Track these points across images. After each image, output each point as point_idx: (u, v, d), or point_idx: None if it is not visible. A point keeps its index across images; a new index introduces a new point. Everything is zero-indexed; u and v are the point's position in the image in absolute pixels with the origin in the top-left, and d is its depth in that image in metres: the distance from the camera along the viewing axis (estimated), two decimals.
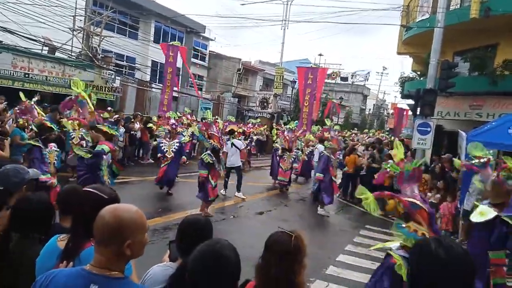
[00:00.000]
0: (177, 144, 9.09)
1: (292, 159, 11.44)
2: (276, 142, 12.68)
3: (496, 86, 9.80)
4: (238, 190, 9.74)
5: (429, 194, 8.90)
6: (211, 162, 7.47)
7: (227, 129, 11.68)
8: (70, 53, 16.49)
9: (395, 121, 23.05)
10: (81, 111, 4.44)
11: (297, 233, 1.83)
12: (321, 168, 9.35)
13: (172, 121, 10.25)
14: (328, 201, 9.10)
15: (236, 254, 1.59)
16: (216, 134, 7.73)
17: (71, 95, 4.49)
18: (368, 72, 49.14)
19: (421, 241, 1.51)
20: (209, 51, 31.25)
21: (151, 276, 2.06)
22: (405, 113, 22.50)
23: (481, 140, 7.58)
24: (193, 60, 29.20)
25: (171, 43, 17.12)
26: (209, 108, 26.37)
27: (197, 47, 29.75)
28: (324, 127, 14.51)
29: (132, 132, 13.05)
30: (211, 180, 7.45)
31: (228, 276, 1.54)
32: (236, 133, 11.23)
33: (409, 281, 1.54)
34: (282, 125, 15.66)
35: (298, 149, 12.54)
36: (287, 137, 11.72)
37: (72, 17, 16.53)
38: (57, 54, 16.22)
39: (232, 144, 9.69)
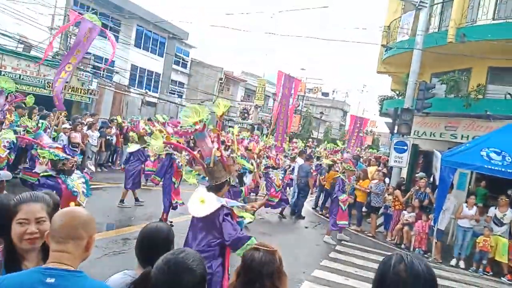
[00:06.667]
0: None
1: (281, 175, 10.14)
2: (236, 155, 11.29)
3: (470, 109, 10.12)
4: None
5: (404, 212, 8.99)
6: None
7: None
8: None
9: (350, 130, 20.52)
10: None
11: (275, 248, 1.89)
12: (336, 190, 8.56)
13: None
14: (330, 224, 8.51)
15: (202, 263, 1.57)
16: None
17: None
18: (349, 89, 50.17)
19: (386, 258, 1.46)
20: (191, 58, 31.09)
21: (109, 284, 1.97)
22: (362, 122, 20.18)
23: (455, 160, 7.80)
24: (174, 66, 28.95)
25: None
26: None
27: (179, 54, 29.55)
28: (334, 148, 14.05)
29: (108, 137, 12.68)
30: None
31: (194, 286, 1.51)
32: None
33: None
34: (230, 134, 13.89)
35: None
36: (272, 156, 10.72)
37: (51, 16, 16.06)
38: (33, 53, 15.64)
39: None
